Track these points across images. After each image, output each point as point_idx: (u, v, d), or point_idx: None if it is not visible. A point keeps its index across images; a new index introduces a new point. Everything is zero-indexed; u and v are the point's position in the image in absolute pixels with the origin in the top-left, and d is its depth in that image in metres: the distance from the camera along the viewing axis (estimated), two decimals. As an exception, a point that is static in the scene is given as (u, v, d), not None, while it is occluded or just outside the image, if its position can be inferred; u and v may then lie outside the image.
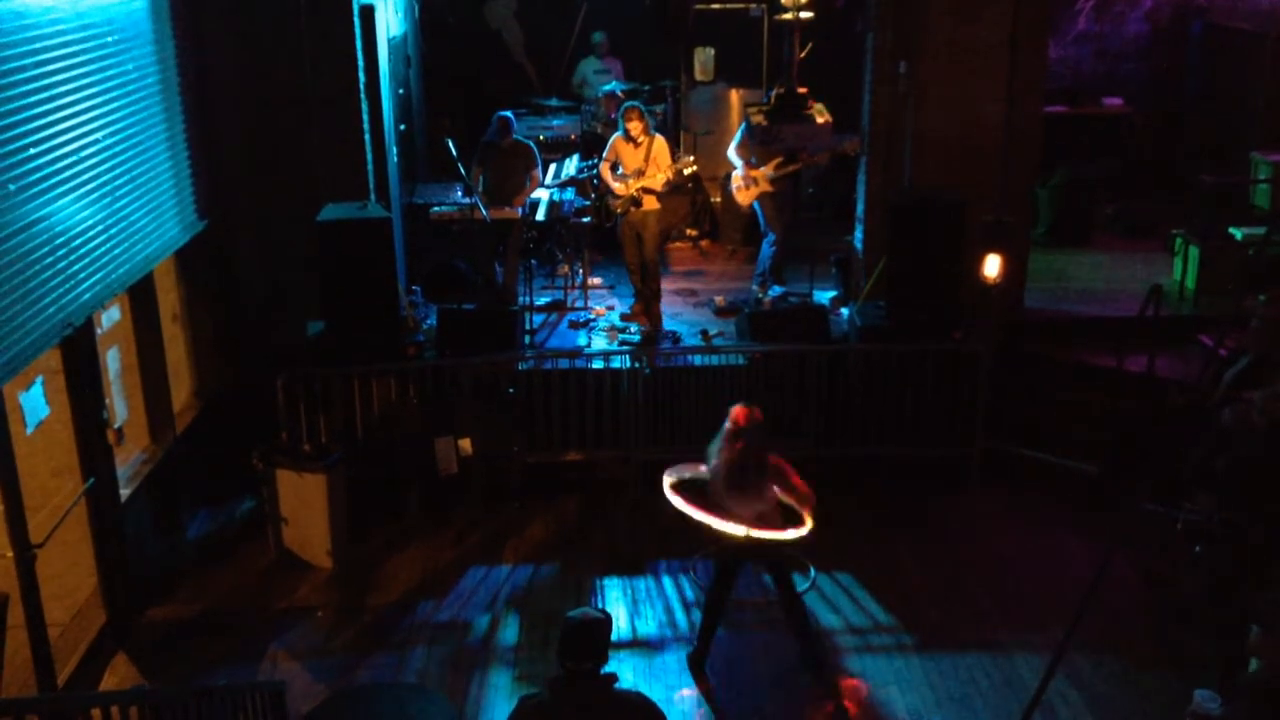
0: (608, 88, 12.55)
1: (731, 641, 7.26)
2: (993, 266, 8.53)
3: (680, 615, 7.59)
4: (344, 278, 8.49)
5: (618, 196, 9.94)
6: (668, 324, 10.10)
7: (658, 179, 9.82)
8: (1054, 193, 11.88)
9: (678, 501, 6.73)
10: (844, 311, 9.98)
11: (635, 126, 9.79)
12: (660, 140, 9.98)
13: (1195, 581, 6.56)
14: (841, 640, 7.29)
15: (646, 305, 10.11)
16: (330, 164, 9.02)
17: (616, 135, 10.05)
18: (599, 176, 10.33)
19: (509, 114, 10.19)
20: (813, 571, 7.95)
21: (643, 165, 9.82)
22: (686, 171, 10.36)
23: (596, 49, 13.13)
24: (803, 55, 9.35)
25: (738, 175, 10.37)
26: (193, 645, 7.27)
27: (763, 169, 10.20)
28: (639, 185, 9.81)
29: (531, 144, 10.36)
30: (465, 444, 8.52)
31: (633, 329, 9.98)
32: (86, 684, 6.67)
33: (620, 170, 9.98)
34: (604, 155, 10.19)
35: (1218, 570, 6.31)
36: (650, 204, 9.89)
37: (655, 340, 9.74)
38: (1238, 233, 10.14)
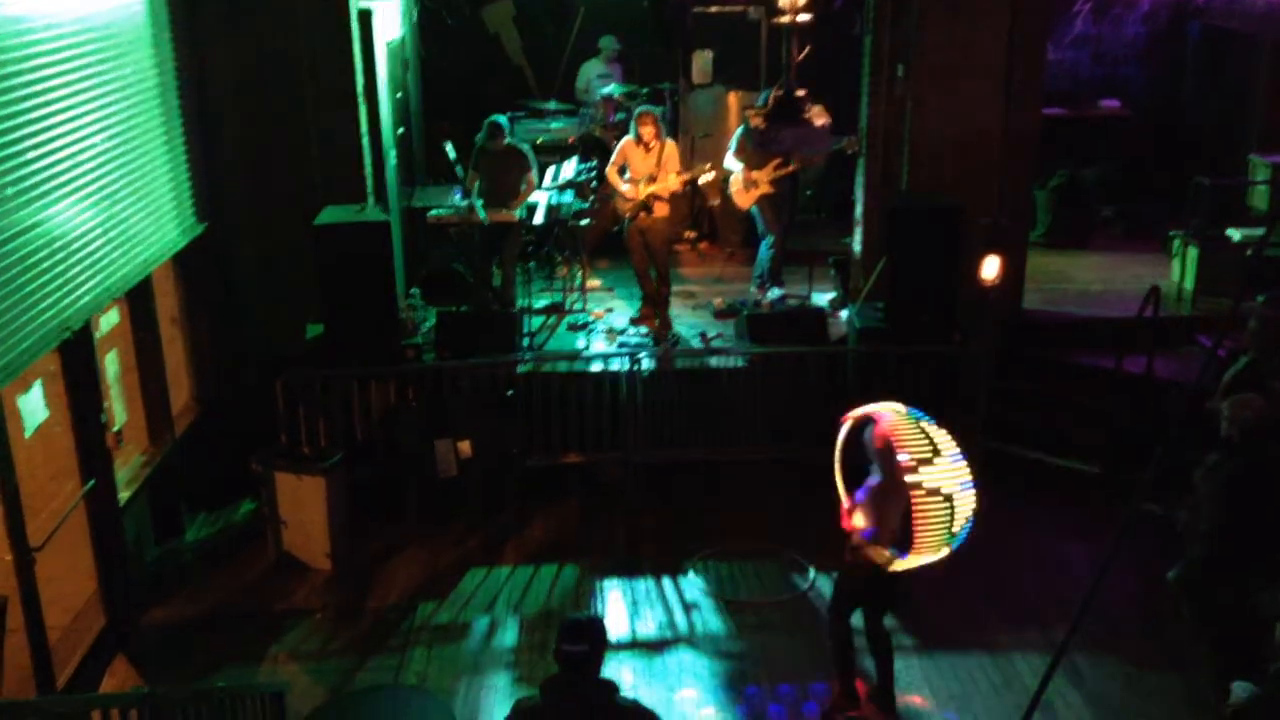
0: (605, 90, 12.55)
1: (732, 643, 7.27)
2: (991, 268, 8.54)
3: (680, 617, 7.59)
4: (343, 281, 8.48)
5: (627, 200, 9.94)
6: (666, 326, 10.11)
7: (669, 183, 9.79)
8: (1052, 195, 11.89)
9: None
10: (843, 313, 9.98)
11: (648, 131, 9.72)
12: (671, 145, 9.92)
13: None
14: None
15: (656, 309, 10.10)
16: (329, 167, 9.04)
17: (627, 138, 9.97)
18: (605, 179, 10.31)
19: (500, 118, 10.13)
20: (812, 573, 7.96)
21: (654, 170, 9.77)
22: (702, 180, 10.25)
23: (605, 54, 13.11)
24: (800, 58, 9.35)
25: (737, 177, 10.37)
26: (192, 647, 7.27)
27: (761, 170, 10.20)
28: (649, 191, 9.79)
29: (525, 147, 10.33)
30: (464, 446, 8.52)
31: (633, 331, 9.97)
32: (86, 686, 6.66)
33: (627, 174, 9.97)
34: (612, 159, 10.15)
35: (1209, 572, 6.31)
36: (661, 210, 9.84)
37: (664, 343, 9.71)
38: (1236, 234, 10.15)
